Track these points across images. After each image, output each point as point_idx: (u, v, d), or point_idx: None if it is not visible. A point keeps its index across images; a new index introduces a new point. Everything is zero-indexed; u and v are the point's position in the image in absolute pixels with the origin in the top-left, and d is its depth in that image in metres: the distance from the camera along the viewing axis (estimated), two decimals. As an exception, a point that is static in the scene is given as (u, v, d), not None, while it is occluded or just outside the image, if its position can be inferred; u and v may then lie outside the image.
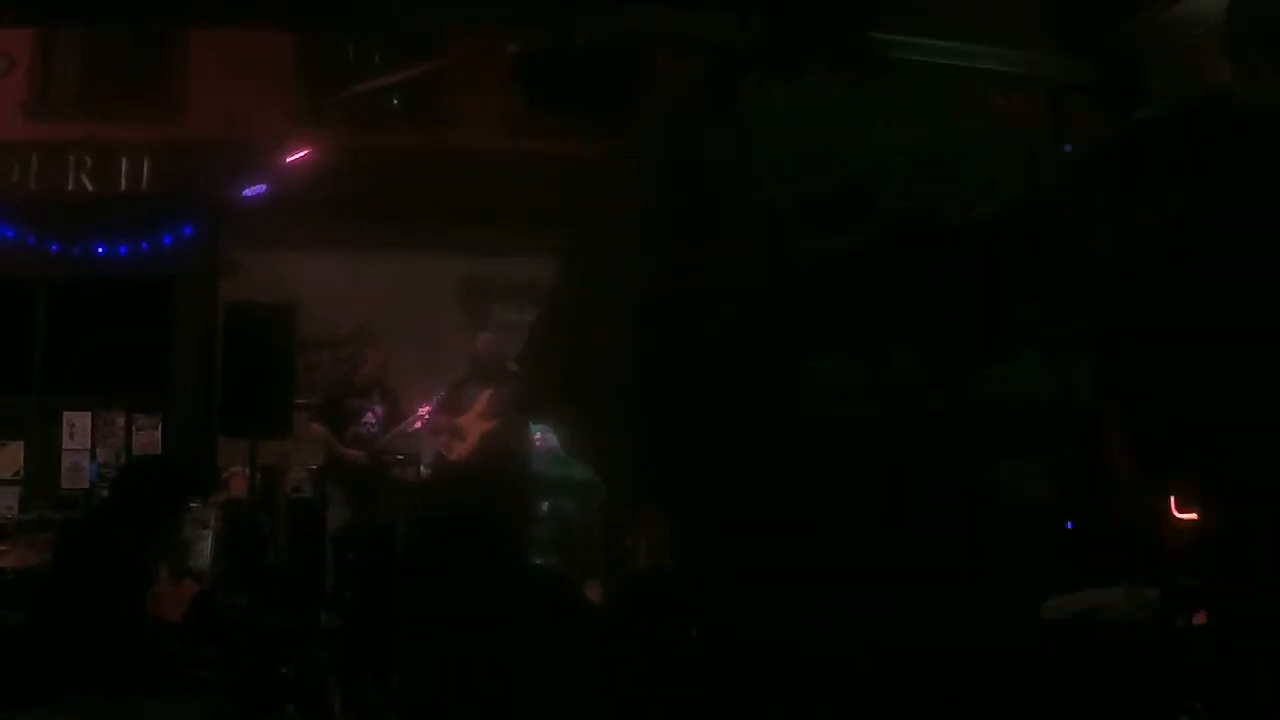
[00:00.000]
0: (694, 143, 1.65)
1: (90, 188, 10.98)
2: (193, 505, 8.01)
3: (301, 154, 10.38)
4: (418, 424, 9.02)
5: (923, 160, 1.64)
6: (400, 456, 9.45)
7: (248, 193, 10.55)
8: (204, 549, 8.54)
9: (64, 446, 10.88)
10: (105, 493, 8.07)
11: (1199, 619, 4.86)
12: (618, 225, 1.70)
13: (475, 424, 8.56)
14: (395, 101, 11.74)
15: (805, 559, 1.62)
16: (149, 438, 10.97)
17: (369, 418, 8.97)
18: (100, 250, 10.93)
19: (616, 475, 1.88)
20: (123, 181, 11.05)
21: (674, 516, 1.80)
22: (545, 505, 9.96)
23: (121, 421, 11.00)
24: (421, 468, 9.55)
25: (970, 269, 1.63)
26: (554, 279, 1.89)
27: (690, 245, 1.59)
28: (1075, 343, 1.76)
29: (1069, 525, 7.17)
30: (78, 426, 10.90)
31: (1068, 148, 8.65)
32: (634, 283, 1.64)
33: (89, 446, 10.87)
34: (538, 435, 9.90)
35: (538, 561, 9.26)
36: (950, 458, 1.62)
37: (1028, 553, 1.74)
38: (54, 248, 10.82)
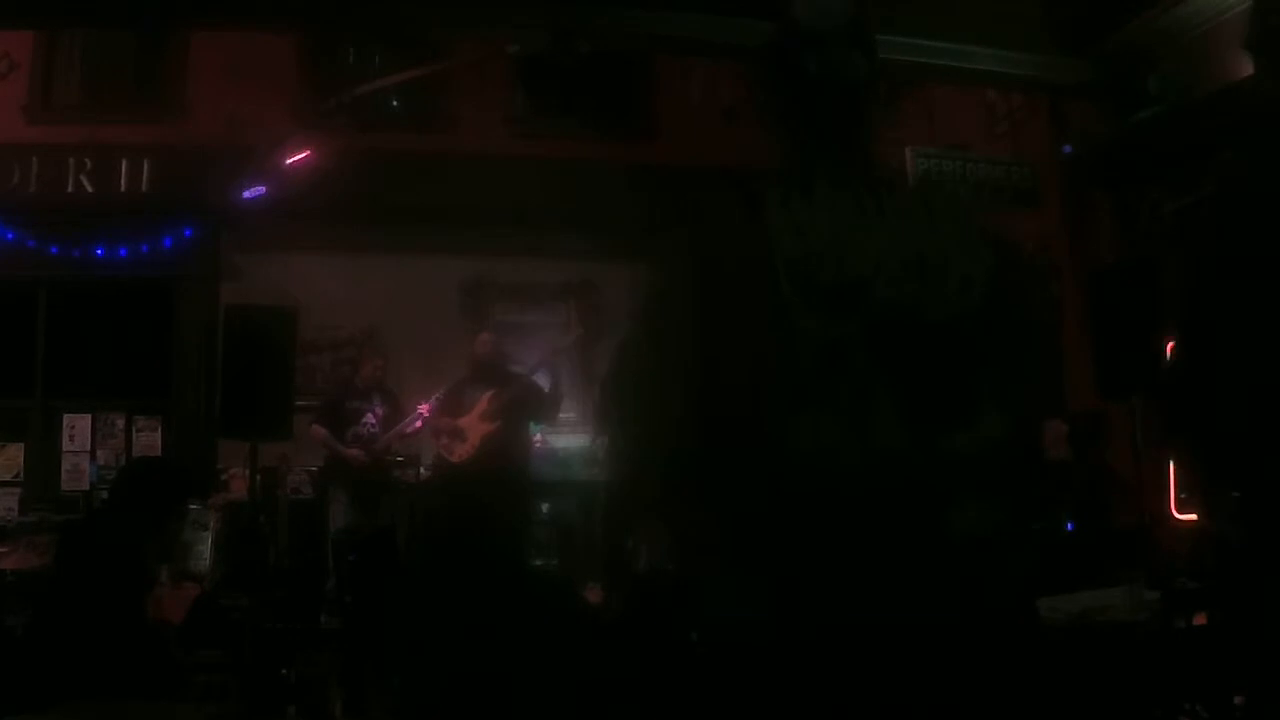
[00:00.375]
0: (727, 244, 2.12)
1: (90, 190, 10.98)
2: (193, 507, 8.02)
3: (302, 156, 10.37)
4: (417, 423, 9.02)
5: (909, 263, 2.06)
6: (401, 458, 9.45)
7: (248, 195, 10.54)
8: (204, 551, 8.55)
9: (64, 448, 10.89)
10: (105, 495, 8.07)
11: (1199, 620, 4.86)
12: (673, 306, 2.14)
13: (476, 426, 8.54)
14: (395, 104, 11.76)
15: (804, 572, 1.97)
16: (149, 439, 10.98)
17: (369, 419, 8.97)
18: (100, 252, 10.93)
19: (659, 493, 2.27)
20: (123, 184, 11.04)
21: (701, 529, 2.13)
22: (546, 507, 9.98)
23: (122, 423, 11.01)
24: (422, 469, 9.55)
25: (946, 348, 2.04)
26: (626, 341, 2.30)
27: (724, 324, 2.04)
28: (1029, 404, 2.21)
29: (1069, 526, 7.21)
30: (78, 428, 10.91)
31: (1068, 148, 8.67)
32: (685, 350, 2.08)
33: (89, 448, 10.88)
34: (538, 437, 9.91)
35: (538, 563, 9.28)
36: (922, 496, 1.99)
37: (989, 574, 2.07)
38: (54, 250, 10.81)
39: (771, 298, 2.02)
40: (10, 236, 10.76)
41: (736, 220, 2.12)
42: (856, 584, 1.95)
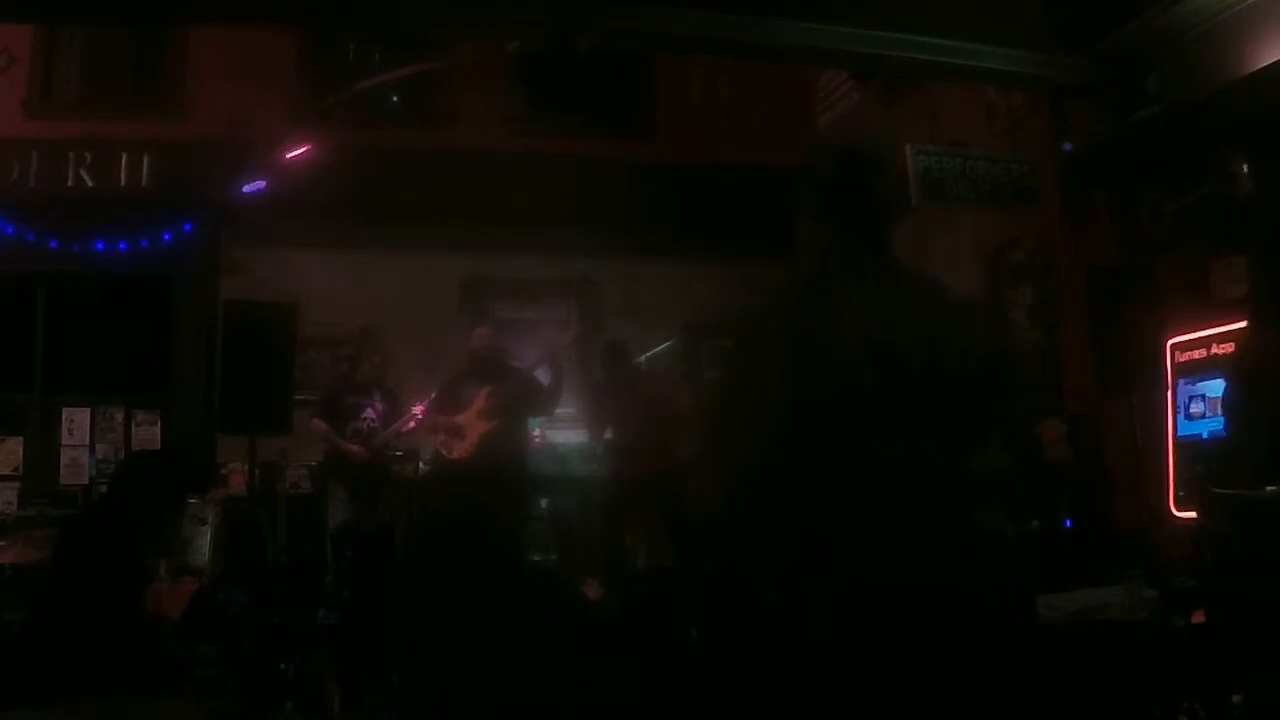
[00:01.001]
0: (810, 319, 2.83)
1: (90, 185, 10.98)
2: (192, 502, 8.02)
3: (301, 152, 10.37)
4: (411, 424, 9.01)
5: (929, 337, 2.77)
6: (400, 453, 9.44)
7: (248, 190, 10.54)
8: (203, 546, 8.55)
9: (63, 443, 10.88)
10: (104, 489, 8.08)
11: (1197, 619, 4.86)
12: (763, 359, 2.88)
13: (475, 423, 8.53)
14: (396, 100, 11.74)
15: (864, 563, 2.64)
16: (148, 434, 10.97)
17: (369, 414, 8.97)
18: (100, 247, 10.93)
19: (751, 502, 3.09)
20: (123, 178, 11.04)
21: (782, 530, 2.86)
22: (545, 503, 9.98)
23: (121, 418, 11.01)
24: (421, 464, 9.54)
25: (962, 392, 2.76)
26: (723, 385, 3.27)
27: (804, 374, 2.74)
28: (1021, 430, 3.44)
29: (1068, 525, 7.21)
30: (77, 423, 10.91)
31: (1068, 147, 8.66)
32: (772, 392, 2.79)
33: (88, 443, 10.88)
34: (537, 433, 9.91)
35: (537, 559, 9.28)
36: (952, 499, 2.69)
37: (1003, 561, 2.78)
38: (54, 244, 10.81)
39: (846, 360, 2.74)
40: (10, 231, 10.76)
41: (816, 302, 2.88)
42: (915, 559, 2.61)
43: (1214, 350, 7.20)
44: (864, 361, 2.71)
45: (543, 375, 8.81)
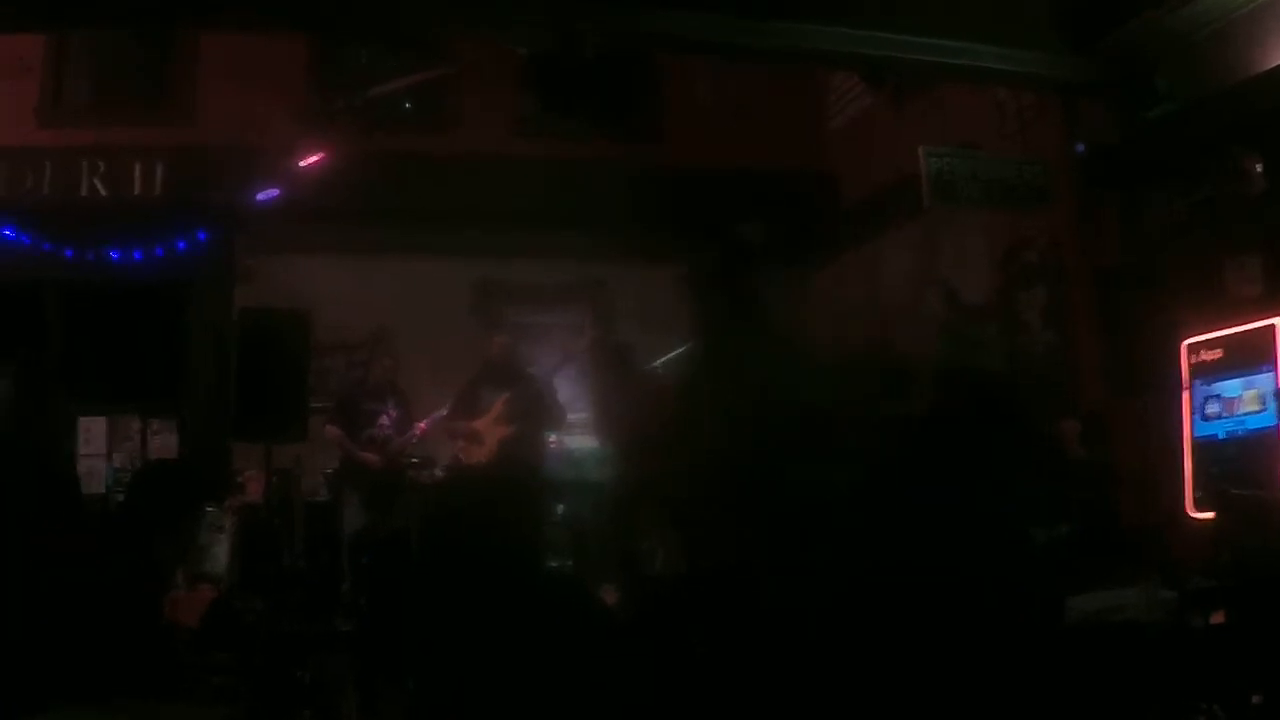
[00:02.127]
0: (735, 362, 3.72)
1: (103, 193, 11.01)
2: (208, 510, 8.03)
3: (314, 158, 10.39)
4: (417, 434, 9.02)
5: (802, 373, 3.63)
6: (415, 459, 9.46)
7: (261, 197, 10.57)
8: (220, 553, 8.56)
9: (80, 452, 10.90)
10: (121, 498, 8.09)
11: (1215, 619, 4.85)
12: (702, 395, 3.80)
13: (492, 429, 8.56)
14: (407, 105, 11.75)
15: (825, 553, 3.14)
16: (164, 442, 11.00)
17: (383, 420, 8.98)
18: (114, 256, 10.96)
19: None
20: (136, 187, 11.06)
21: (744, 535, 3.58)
22: (560, 508, 9.97)
23: (137, 426, 11.03)
24: (436, 471, 9.56)
25: (819, 416, 3.57)
26: (676, 399, 4.25)
27: (737, 408, 3.53)
28: (1039, 431, 4.30)
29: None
30: (93, 432, 10.93)
31: (1080, 147, 8.63)
32: (706, 419, 3.62)
33: (105, 452, 10.90)
34: (553, 439, 9.90)
35: (553, 565, 9.27)
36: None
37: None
38: (68, 253, 10.84)
39: (758, 391, 3.49)
40: (24, 240, 10.80)
41: (735, 352, 3.74)
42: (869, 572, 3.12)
43: (1230, 350, 7.17)
44: (777, 393, 3.45)
45: (554, 384, 8.83)
